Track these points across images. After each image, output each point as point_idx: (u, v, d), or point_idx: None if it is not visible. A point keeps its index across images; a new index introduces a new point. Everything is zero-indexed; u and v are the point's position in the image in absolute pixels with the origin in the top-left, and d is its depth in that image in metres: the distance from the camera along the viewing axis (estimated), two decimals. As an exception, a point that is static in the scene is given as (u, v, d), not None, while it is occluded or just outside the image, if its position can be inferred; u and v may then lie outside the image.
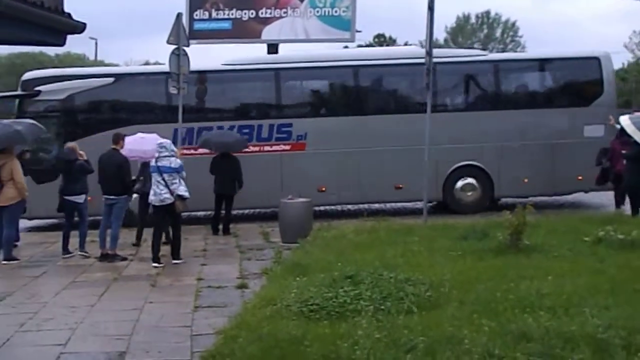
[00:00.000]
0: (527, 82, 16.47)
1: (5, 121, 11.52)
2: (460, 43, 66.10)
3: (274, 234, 12.81)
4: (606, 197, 14.74)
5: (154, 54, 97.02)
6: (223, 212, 13.43)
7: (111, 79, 15.23)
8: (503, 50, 61.88)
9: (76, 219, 11.37)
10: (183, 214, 10.87)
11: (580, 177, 15.12)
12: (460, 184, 15.43)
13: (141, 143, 11.73)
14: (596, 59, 15.76)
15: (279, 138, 15.07)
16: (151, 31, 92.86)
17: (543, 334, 5.36)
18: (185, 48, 13.33)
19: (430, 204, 15.40)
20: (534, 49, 60.23)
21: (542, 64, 16.18)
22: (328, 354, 5.26)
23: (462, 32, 67.97)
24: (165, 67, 13.67)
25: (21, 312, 7.68)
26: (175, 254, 10.46)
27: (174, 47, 13.17)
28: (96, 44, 48.67)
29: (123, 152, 11.21)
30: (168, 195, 10.19)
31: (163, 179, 10.17)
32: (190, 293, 8.42)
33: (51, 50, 49.98)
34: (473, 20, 68.18)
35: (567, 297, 6.47)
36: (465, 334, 5.42)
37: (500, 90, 15.97)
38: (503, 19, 66.85)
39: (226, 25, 21.21)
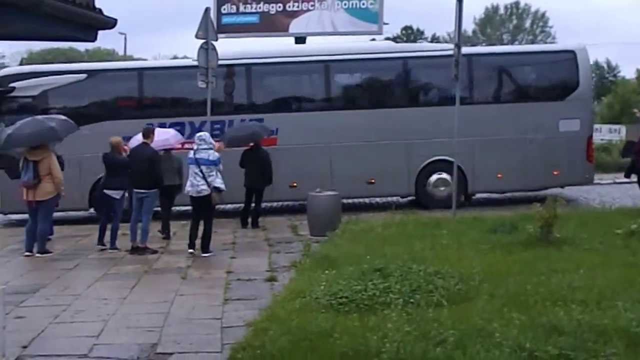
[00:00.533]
0: (502, 76, 16.19)
1: (39, 117, 11.66)
2: (489, 34, 65.56)
3: (302, 227, 12.84)
4: (582, 191, 14.65)
5: (182, 48, 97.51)
6: (252, 205, 13.47)
7: (84, 75, 15.22)
8: (532, 42, 61.19)
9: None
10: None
11: (555, 172, 15.00)
12: (432, 179, 15.27)
13: (159, 134, 11.94)
14: (572, 52, 15.58)
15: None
16: (180, 26, 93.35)
17: (575, 328, 5.33)
18: (213, 42, 13.41)
19: (404, 199, 15.50)
20: (564, 40, 59.48)
21: (517, 57, 15.93)
22: (357, 347, 5.27)
23: (490, 23, 67.33)
24: (142, 64, 13.77)
25: (55, 304, 7.80)
26: (205, 247, 10.55)
27: (202, 41, 13.25)
28: (125, 39, 49.00)
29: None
30: (205, 187, 10.35)
31: (201, 171, 10.33)
32: (220, 286, 8.49)
33: (81, 46, 50.52)
34: (502, 11, 67.48)
35: (599, 291, 6.41)
36: (496, 327, 5.40)
37: (473, 84, 15.73)
38: (532, 9, 66.07)
39: (254, 19, 21.25)
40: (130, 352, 6.02)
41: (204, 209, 10.61)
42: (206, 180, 10.35)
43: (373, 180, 15.02)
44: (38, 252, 10.86)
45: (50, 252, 11.00)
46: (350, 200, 15.31)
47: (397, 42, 61.93)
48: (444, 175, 15.17)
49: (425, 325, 5.59)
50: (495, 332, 5.26)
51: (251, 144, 13.49)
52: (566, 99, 15.30)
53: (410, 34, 62.96)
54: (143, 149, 11.14)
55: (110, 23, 5.41)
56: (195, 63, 13.48)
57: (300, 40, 21.39)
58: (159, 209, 12.05)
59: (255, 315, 6.73)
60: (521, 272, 7.34)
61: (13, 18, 4.65)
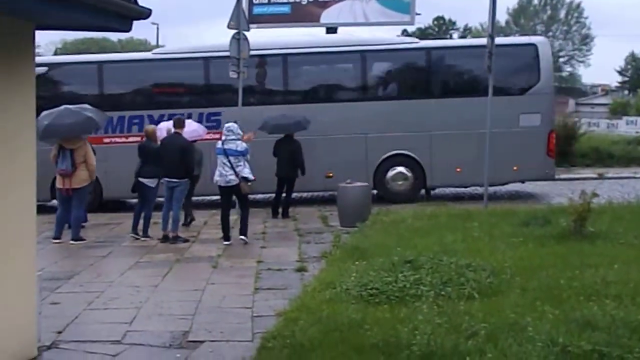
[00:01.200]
0: (462, 70, 15.98)
1: (72, 107, 11.77)
2: (522, 25, 64.72)
3: (332, 218, 12.85)
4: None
5: (214, 38, 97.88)
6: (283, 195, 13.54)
7: (44, 69, 15.02)
8: (567, 32, 60.27)
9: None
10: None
11: (515, 167, 14.82)
12: (391, 173, 15.09)
13: (187, 125, 11.93)
14: (533, 46, 15.34)
15: (209, 127, 14.27)
16: (211, 16, 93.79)
17: (609, 323, 5.26)
18: (245, 32, 13.44)
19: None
20: (598, 31, 58.42)
21: (477, 51, 15.66)
22: (388, 339, 5.27)
23: (524, 13, 66.52)
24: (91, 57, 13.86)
25: (89, 290, 7.91)
26: (242, 231, 10.73)
27: (234, 31, 13.29)
28: (157, 29, 49.45)
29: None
30: (233, 177, 10.47)
31: (229, 161, 10.48)
32: (251, 275, 8.53)
33: (114, 36, 51.06)
34: (536, 1, 66.55)
35: (634, 286, 6.32)
36: (528, 321, 5.36)
37: (432, 78, 15.59)
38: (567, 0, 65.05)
39: (285, 9, 21.27)
40: (162, 339, 6.08)
41: (239, 197, 10.79)
42: (234, 170, 10.48)
43: (331, 174, 14.84)
44: (72, 239, 11.02)
45: (84, 240, 11.17)
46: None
47: (427, 33, 61.61)
48: (402, 169, 15.10)
49: (457, 318, 5.57)
50: (528, 327, 5.22)
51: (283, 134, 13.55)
52: (527, 93, 15.12)
53: (442, 25, 62.47)
54: (176, 139, 11.20)
55: (145, 13, 5.44)
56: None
57: (331, 30, 21.36)
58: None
59: (286, 305, 6.75)
60: (554, 266, 7.26)
61: (50, 8, 4.70)
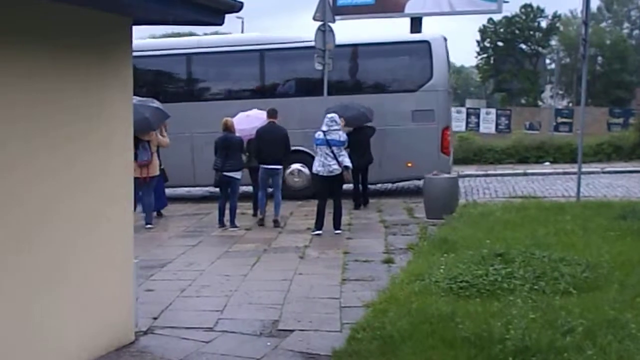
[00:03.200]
0: (357, 67, 15.45)
1: (135, 102, 12.08)
2: (615, 11, 62.16)
3: (418, 209, 12.74)
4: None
5: (296, 31, 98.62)
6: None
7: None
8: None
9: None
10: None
11: (409, 164, 14.39)
12: (288, 170, 14.56)
13: (247, 122, 12.30)
14: (426, 43, 14.82)
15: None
16: (295, 8, 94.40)
17: None
18: (330, 24, 13.46)
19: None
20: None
21: (372, 48, 14.87)
22: (480, 333, 5.17)
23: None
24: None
25: (181, 278, 8.13)
26: (337, 224, 10.77)
27: (319, 23, 13.33)
28: (242, 23, 50.06)
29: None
30: (337, 167, 10.57)
31: (332, 151, 10.54)
32: (337, 266, 8.56)
33: (200, 30, 51.97)
34: (630, -14, 63.76)
35: None
36: (629, 318, 5.15)
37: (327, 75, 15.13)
38: (664, -17, 62.00)
39: (370, 0, 21.19)
40: (253, 328, 6.18)
41: (335, 188, 10.82)
42: (337, 160, 10.55)
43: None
44: (146, 224, 11.72)
45: (152, 226, 11.73)
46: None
47: (514, 21, 60.05)
48: (298, 166, 14.83)
49: (552, 313, 5.41)
50: (629, 323, 5.01)
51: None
52: (420, 90, 14.68)
53: (529, 12, 60.69)
54: (275, 128, 11.68)
55: (237, 6, 5.51)
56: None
57: (416, 21, 21.12)
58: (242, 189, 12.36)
59: (374, 297, 6.74)
60: (655, 262, 6.96)
61: (148, 3, 4.83)
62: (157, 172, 11.92)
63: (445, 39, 15.11)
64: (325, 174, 10.63)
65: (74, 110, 5.13)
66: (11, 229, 4.53)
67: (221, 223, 11.63)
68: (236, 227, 11.48)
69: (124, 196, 5.78)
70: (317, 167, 10.71)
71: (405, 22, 21.30)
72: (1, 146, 4.44)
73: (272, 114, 11.85)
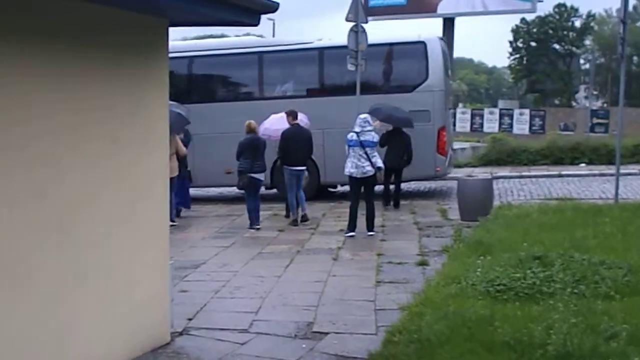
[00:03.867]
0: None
1: None
2: (652, 9, 60.99)
3: (451, 211, 12.61)
4: None
5: (327, 32, 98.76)
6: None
7: None
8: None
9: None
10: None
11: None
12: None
13: (281, 122, 12.29)
14: (422, 44, 14.78)
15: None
16: (326, 10, 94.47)
17: None
18: (363, 25, 13.42)
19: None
20: None
21: (368, 50, 14.27)
22: (520, 337, 5.07)
23: (654, -3, 62.56)
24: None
25: (215, 279, 8.14)
26: (370, 226, 10.71)
27: (352, 24, 13.29)
28: (274, 24, 50.25)
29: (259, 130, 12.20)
30: (370, 168, 10.52)
31: (365, 152, 10.48)
32: (371, 268, 8.50)
33: (232, 32, 52.26)
34: (667, -16, 62.48)
35: None
36: (675, 324, 5.01)
37: (324, 77, 15.40)
38: None
39: (402, 0, 21.08)
40: (288, 330, 6.15)
41: (367, 189, 10.77)
42: (370, 161, 10.49)
43: (231, 170, 14.01)
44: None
45: (175, 223, 11.65)
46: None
47: (547, 21, 59.34)
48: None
49: (594, 318, 5.29)
50: (676, 330, 4.88)
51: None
52: (415, 91, 14.63)
53: (563, 12, 59.95)
54: (301, 129, 11.91)
55: (273, 7, 5.49)
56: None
57: (448, 21, 20.97)
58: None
59: (409, 299, 6.66)
60: (700, 266, 6.77)
61: (186, 5, 4.83)
62: (174, 174, 11.55)
63: (442, 40, 15.14)
64: (359, 176, 10.56)
65: (113, 108, 5.16)
66: (46, 224, 4.55)
67: (253, 224, 11.65)
68: (259, 228, 11.57)
69: (160, 195, 5.80)
70: (350, 168, 10.64)
71: (438, 23, 21.17)
72: (37, 141, 4.47)
73: (294, 115, 11.95)
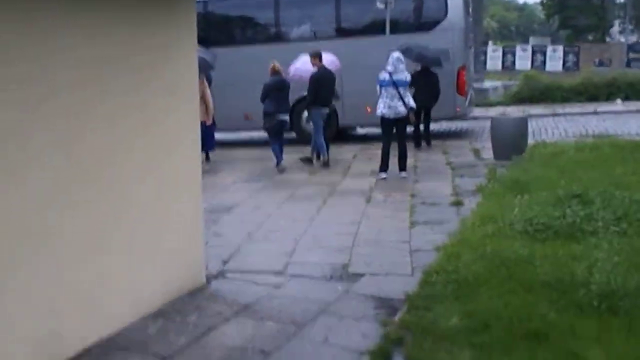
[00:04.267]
0: (370, 8, 14.53)
1: None
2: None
3: (484, 151, 12.41)
4: None
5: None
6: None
7: None
8: None
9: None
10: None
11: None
12: (305, 114, 13.93)
13: (309, 63, 12.05)
14: None
15: None
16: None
17: None
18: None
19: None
20: None
21: None
22: (561, 276, 4.97)
23: None
24: None
25: (248, 222, 8.10)
26: (402, 166, 10.57)
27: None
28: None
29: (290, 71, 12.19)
30: (403, 108, 10.32)
31: (398, 92, 10.26)
32: (405, 209, 8.40)
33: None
34: None
35: None
36: None
37: (339, 18, 15.09)
38: None
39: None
40: (323, 271, 6.11)
41: (400, 130, 10.59)
42: (404, 101, 10.26)
43: (251, 116, 14.12)
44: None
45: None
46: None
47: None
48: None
49: (637, 256, 5.16)
50: None
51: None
52: (434, 29, 14.18)
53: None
54: (327, 71, 11.79)
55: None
56: None
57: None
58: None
59: (444, 240, 6.57)
60: None
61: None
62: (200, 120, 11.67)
63: None
64: (392, 116, 10.36)
65: (142, 54, 5.04)
66: (81, 168, 4.51)
67: (279, 165, 11.73)
68: (284, 166, 11.72)
69: (191, 140, 5.73)
70: (382, 109, 10.41)
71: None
72: (69, 91, 4.39)
73: (320, 56, 11.78)
